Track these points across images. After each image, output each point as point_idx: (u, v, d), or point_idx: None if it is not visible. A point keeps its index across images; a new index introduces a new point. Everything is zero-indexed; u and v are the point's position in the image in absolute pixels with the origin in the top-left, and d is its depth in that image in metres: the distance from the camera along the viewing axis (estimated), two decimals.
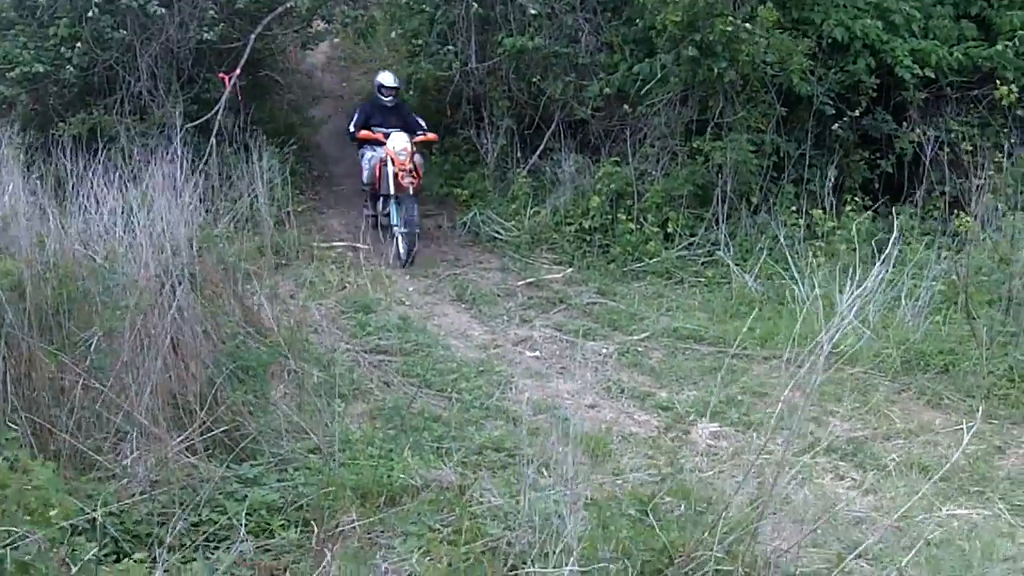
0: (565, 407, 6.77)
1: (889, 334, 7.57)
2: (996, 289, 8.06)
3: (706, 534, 3.86)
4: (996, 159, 9.84)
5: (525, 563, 4.05)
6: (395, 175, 10.91)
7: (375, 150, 11.44)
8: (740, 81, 11.02)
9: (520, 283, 10.20)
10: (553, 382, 7.58)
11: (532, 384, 7.47)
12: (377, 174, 11.30)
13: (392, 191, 10.99)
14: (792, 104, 11.22)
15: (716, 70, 10.73)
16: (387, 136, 11.34)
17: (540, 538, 4.14)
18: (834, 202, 10.45)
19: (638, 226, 10.86)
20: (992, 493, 5.57)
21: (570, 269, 10.60)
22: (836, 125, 11.07)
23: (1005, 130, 10.43)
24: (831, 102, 11.08)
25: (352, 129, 11.70)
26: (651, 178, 11.23)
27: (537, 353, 8.33)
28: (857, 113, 11.03)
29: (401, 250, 10.83)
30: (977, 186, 9.16)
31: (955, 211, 9.75)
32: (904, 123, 11.23)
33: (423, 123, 11.88)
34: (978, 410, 6.52)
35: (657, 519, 4.16)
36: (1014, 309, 7.69)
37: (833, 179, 10.58)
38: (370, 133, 11.51)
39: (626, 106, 11.60)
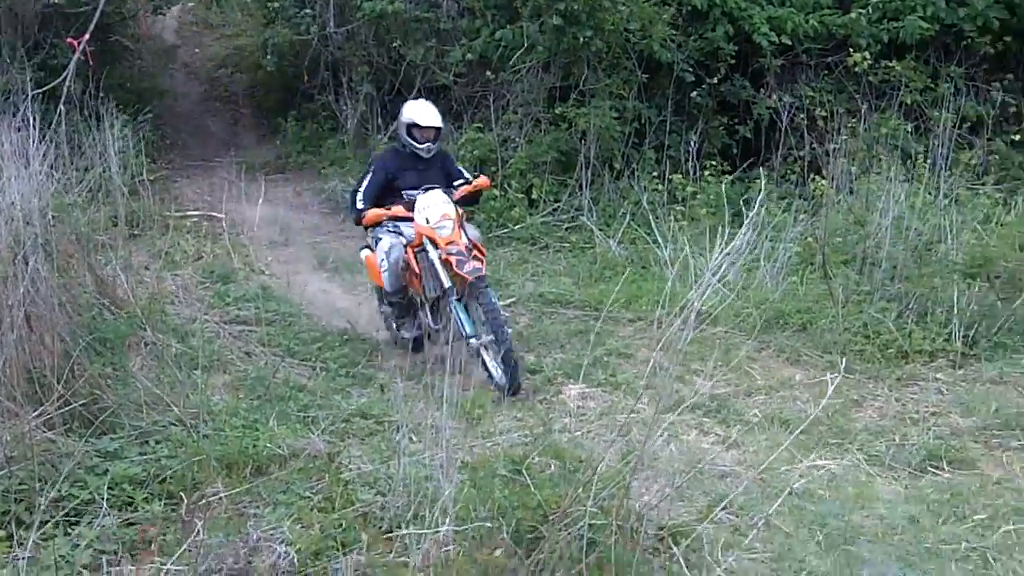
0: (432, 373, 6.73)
1: (749, 295, 7.71)
2: (851, 249, 8.31)
3: (580, 491, 3.88)
4: (850, 124, 10.12)
5: (400, 526, 4.02)
6: (446, 262, 6.83)
7: (398, 233, 7.22)
8: (604, 49, 11.08)
9: None
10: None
11: (398, 352, 7.41)
12: (414, 268, 7.09)
13: (447, 284, 6.87)
14: (653, 71, 11.35)
15: (581, 39, 10.77)
16: (410, 205, 7.13)
17: (415, 501, 4.12)
18: (695, 167, 10.63)
19: (502, 192, 10.87)
20: (850, 444, 5.74)
21: None
22: (695, 92, 11.25)
23: (858, 96, 10.70)
24: (691, 69, 11.24)
25: (360, 205, 7.23)
26: (514, 144, 11.25)
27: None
28: (716, 80, 11.21)
29: (492, 368, 6.71)
30: (832, 150, 9.39)
31: (811, 175, 10.01)
32: (761, 89, 11.46)
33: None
34: (836, 365, 6.73)
35: (531, 478, 4.18)
36: (868, 269, 7.94)
37: (693, 145, 10.74)
38: (383, 211, 7.12)
39: (489, 72, 11.56)
